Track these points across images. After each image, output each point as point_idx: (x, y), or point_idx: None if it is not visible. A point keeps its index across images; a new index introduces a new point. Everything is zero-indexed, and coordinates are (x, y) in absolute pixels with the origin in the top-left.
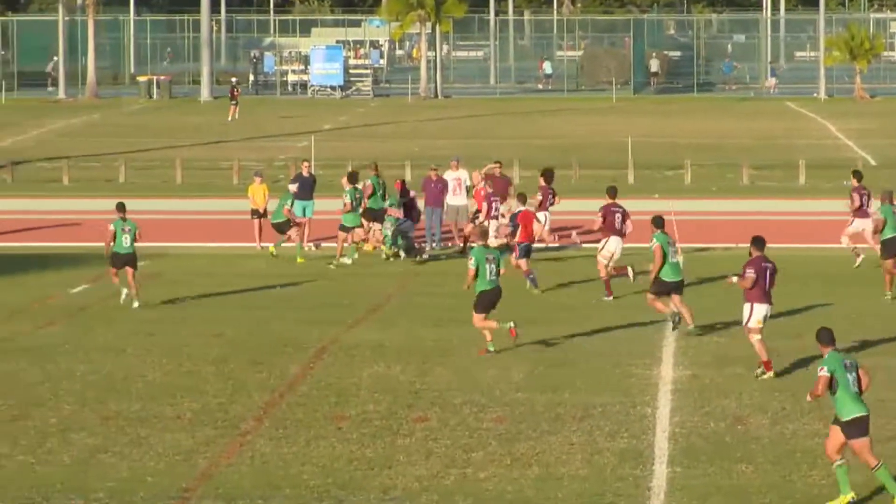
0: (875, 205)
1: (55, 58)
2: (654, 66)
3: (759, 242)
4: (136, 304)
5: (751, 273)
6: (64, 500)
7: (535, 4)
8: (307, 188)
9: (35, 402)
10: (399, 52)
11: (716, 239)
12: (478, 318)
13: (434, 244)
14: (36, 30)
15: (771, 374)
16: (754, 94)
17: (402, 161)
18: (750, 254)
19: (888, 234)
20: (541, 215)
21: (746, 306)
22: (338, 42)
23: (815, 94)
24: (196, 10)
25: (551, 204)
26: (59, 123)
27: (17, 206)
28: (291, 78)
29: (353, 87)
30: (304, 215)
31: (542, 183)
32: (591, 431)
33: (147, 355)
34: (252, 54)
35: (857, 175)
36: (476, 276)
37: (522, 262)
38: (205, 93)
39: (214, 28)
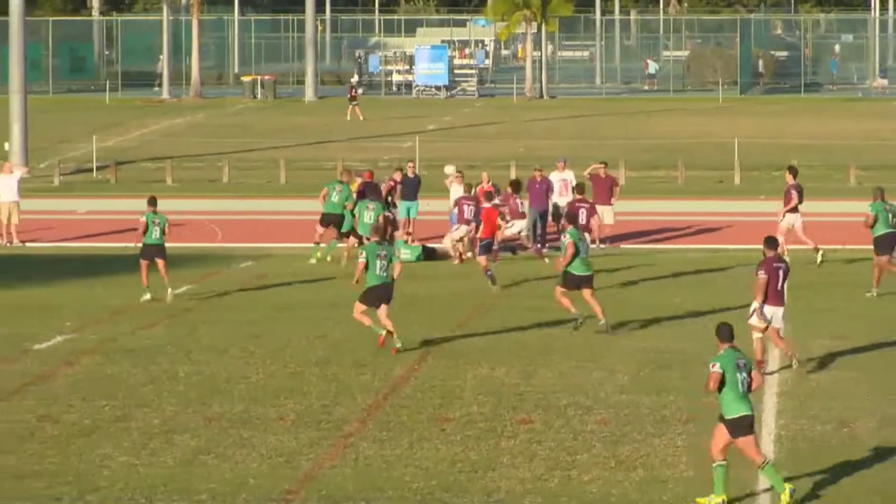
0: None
1: (161, 57)
2: (760, 66)
3: (770, 243)
4: (169, 296)
5: (762, 275)
6: (167, 502)
7: (641, 4)
8: (412, 189)
9: (138, 404)
10: (504, 52)
11: (824, 240)
12: (358, 308)
13: (539, 245)
14: (140, 30)
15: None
16: (862, 94)
17: (507, 161)
18: (763, 255)
19: (880, 231)
20: (519, 224)
21: (754, 305)
22: (443, 42)
23: None
24: (301, 10)
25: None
26: (163, 123)
27: (120, 207)
28: (396, 78)
29: (458, 87)
30: (409, 216)
31: (510, 191)
32: (697, 434)
33: (250, 356)
34: (357, 54)
35: (793, 171)
36: (366, 270)
37: (482, 259)
38: (309, 93)
39: (319, 28)
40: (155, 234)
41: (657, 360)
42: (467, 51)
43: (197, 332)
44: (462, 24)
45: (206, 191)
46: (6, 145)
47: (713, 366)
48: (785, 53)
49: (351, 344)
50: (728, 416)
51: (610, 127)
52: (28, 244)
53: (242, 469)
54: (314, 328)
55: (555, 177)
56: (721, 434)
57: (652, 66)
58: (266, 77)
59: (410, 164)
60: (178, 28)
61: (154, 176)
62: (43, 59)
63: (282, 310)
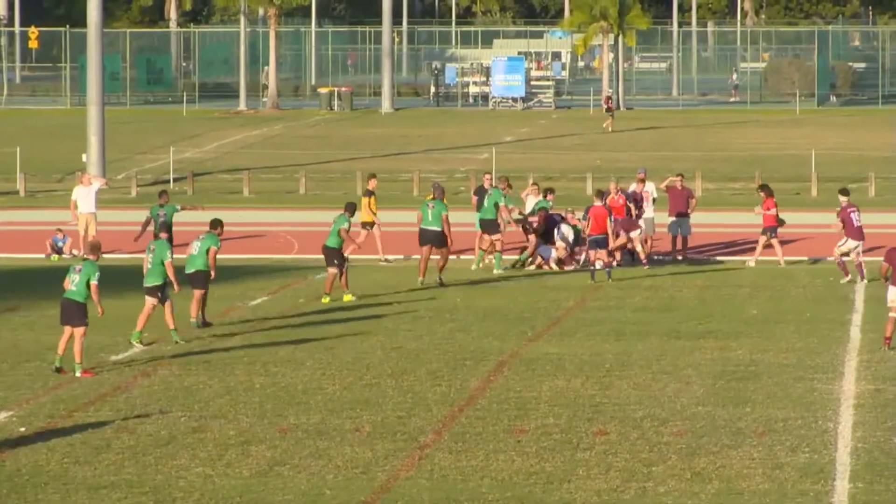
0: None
1: (266, 68)
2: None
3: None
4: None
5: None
6: None
7: (718, 16)
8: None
9: (214, 415)
10: (581, 64)
11: None
12: None
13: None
14: (217, 41)
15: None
16: None
17: (583, 173)
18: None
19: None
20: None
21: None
22: (520, 53)
23: None
24: (378, 22)
25: None
26: (240, 135)
27: (197, 218)
28: (473, 89)
29: (535, 99)
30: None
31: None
32: (773, 446)
33: (326, 368)
34: (433, 66)
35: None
36: None
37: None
38: (385, 104)
39: (396, 39)
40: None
41: (733, 372)
42: (544, 62)
43: (273, 344)
44: (539, 35)
45: (283, 202)
46: (84, 157)
47: None
48: (863, 65)
49: (426, 355)
50: None
51: (687, 138)
52: (104, 255)
53: (318, 480)
54: (390, 339)
55: (633, 189)
56: None
57: (737, 77)
58: (343, 88)
59: (487, 176)
60: (256, 40)
61: (231, 187)
62: (121, 70)
63: (358, 321)
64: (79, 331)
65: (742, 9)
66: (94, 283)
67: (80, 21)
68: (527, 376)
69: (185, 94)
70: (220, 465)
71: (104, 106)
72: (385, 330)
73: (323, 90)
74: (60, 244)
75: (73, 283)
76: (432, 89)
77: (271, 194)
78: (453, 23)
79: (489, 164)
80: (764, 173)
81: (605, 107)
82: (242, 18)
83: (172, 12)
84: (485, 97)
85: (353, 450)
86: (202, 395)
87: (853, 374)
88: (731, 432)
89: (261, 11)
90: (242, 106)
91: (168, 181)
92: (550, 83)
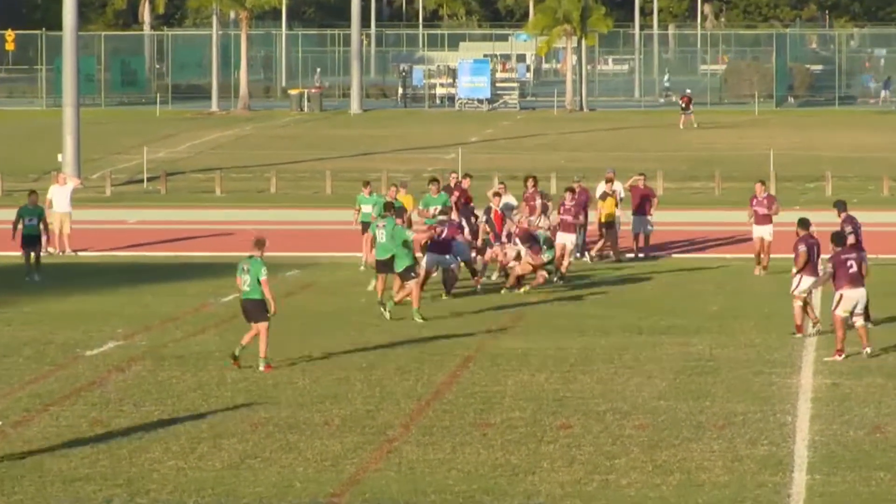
0: None
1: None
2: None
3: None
4: (36, 278)
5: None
6: None
7: (679, 19)
8: None
9: (187, 409)
10: (545, 66)
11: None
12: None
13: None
14: (190, 44)
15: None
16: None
17: (547, 173)
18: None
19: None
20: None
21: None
22: (485, 56)
23: None
24: (346, 25)
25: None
26: (212, 135)
27: (170, 217)
28: (439, 91)
29: (500, 100)
30: None
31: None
32: (732, 439)
33: (296, 362)
34: (401, 68)
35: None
36: None
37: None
38: (354, 105)
39: (364, 42)
40: (31, 221)
41: (694, 366)
42: (509, 65)
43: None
44: (504, 38)
45: (254, 201)
46: (59, 157)
47: None
48: (820, 67)
49: (394, 350)
50: None
51: (648, 139)
52: (79, 253)
53: (288, 473)
54: (359, 335)
55: (601, 188)
56: None
57: (665, 80)
58: (312, 90)
59: (454, 175)
60: (227, 42)
61: (203, 187)
62: (96, 72)
63: (327, 317)
64: (262, 326)
65: (702, 12)
66: (263, 279)
67: (56, 24)
68: (492, 371)
69: (158, 95)
70: (192, 458)
71: (79, 107)
72: (353, 325)
73: (293, 91)
74: None
75: (244, 284)
76: (400, 91)
77: (242, 193)
78: (420, 26)
79: (455, 163)
80: (723, 173)
81: (682, 105)
82: (215, 21)
83: (146, 15)
84: (451, 98)
85: (322, 443)
86: (175, 390)
87: (810, 369)
88: (691, 426)
89: (232, 14)
90: (214, 107)
91: (142, 181)
92: (515, 85)
